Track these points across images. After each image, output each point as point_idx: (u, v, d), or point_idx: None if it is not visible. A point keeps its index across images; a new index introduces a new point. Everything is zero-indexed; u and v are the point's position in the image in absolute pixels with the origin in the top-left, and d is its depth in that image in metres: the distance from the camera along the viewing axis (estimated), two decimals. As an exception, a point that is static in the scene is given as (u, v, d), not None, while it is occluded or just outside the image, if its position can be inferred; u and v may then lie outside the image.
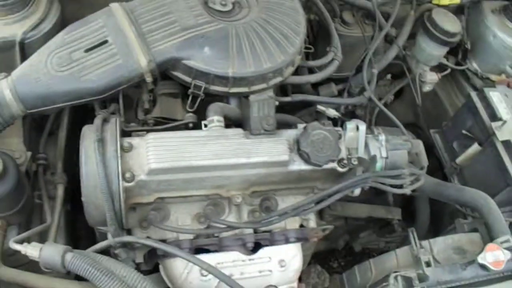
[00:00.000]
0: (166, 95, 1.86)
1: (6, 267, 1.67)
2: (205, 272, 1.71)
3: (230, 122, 1.77)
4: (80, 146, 1.61)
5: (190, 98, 1.76)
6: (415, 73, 2.23)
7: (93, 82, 1.64)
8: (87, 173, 1.58)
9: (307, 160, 1.71)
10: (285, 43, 1.77)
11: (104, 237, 1.73)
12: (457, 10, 2.27)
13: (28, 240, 1.63)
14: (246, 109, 1.76)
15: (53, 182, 1.92)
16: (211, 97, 1.77)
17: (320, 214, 2.16)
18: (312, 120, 1.86)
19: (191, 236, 1.76)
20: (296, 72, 1.91)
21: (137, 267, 1.83)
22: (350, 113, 2.21)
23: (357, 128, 1.83)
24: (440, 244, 1.91)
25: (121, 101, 1.77)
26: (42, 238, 1.80)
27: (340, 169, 1.75)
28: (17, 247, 1.54)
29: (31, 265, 1.70)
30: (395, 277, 1.76)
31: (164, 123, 1.81)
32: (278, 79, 1.79)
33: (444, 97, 2.37)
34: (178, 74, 1.73)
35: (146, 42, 1.67)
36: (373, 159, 1.79)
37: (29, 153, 1.82)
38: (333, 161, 1.72)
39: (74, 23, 1.73)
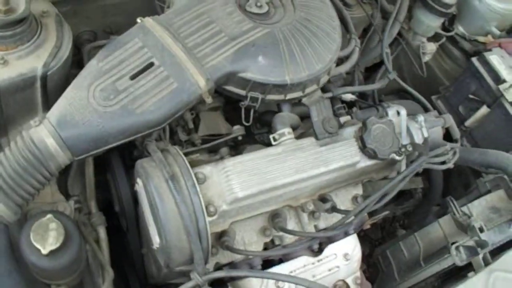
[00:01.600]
0: (207, 111, 1.63)
1: None
2: (281, 284, 1.58)
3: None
4: (147, 185, 1.38)
5: (243, 110, 1.56)
6: (413, 45, 2.17)
7: (152, 113, 1.39)
8: (166, 216, 1.36)
9: (373, 156, 1.60)
10: (328, 40, 1.63)
11: (175, 276, 1.52)
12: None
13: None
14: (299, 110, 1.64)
15: (92, 225, 1.64)
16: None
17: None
18: None
19: (260, 249, 1.60)
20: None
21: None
22: (361, 96, 2.11)
23: (398, 114, 1.74)
24: (478, 207, 1.91)
25: (167, 126, 1.52)
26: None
27: (398, 158, 1.66)
28: None
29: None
30: (457, 248, 1.73)
31: (210, 141, 1.60)
32: (326, 78, 1.66)
33: (433, 64, 2.34)
34: (231, 88, 1.53)
35: (196, 58, 1.44)
36: (425, 142, 1.71)
37: (71, 202, 1.53)
38: (395, 152, 1.62)
39: (105, 47, 1.45)
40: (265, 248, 1.63)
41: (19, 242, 1.33)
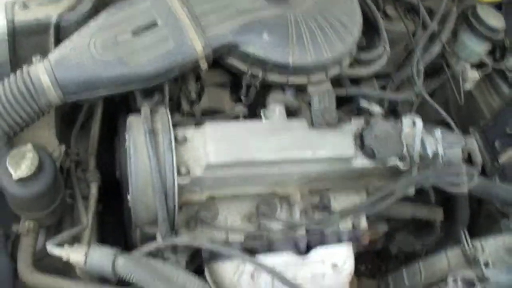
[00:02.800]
0: (213, 86, 1.61)
1: (39, 274, 1.40)
2: (256, 276, 1.49)
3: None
4: (127, 138, 1.37)
5: (244, 88, 1.52)
6: (455, 70, 2.03)
7: (143, 68, 1.38)
8: (137, 168, 1.33)
9: (371, 156, 1.49)
10: (344, 32, 1.56)
11: (147, 240, 1.47)
12: (495, 8, 2.08)
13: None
14: (303, 102, 1.54)
15: (86, 180, 1.65)
16: (264, 89, 1.54)
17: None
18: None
19: (241, 238, 1.52)
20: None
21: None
22: (392, 110, 1.99)
23: (414, 124, 1.62)
24: (492, 245, 1.70)
25: (166, 90, 1.51)
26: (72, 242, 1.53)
27: (401, 166, 1.54)
28: (57, 251, 1.30)
29: (63, 271, 1.44)
30: (454, 280, 1.55)
31: (211, 115, 1.56)
32: (336, 70, 1.57)
33: (478, 96, 2.18)
34: (232, 61, 1.50)
35: (200, 25, 1.43)
36: (435, 156, 1.58)
37: (63, 147, 1.55)
38: (397, 157, 1.50)
39: (117, 3, 1.48)
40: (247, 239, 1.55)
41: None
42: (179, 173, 1.33)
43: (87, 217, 1.54)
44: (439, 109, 1.78)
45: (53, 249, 1.30)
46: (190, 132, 1.39)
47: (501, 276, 1.58)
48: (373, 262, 2.49)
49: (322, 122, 1.46)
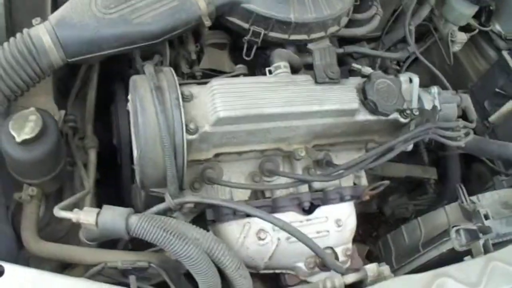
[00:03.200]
0: (213, 46, 1.60)
1: (45, 242, 1.38)
2: (262, 236, 1.49)
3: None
4: (133, 96, 1.34)
5: (245, 46, 1.51)
6: (443, 33, 2.07)
7: (148, 25, 1.37)
8: (145, 125, 1.30)
9: (373, 110, 1.51)
10: (342, -10, 1.56)
11: (151, 204, 1.46)
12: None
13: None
14: (305, 59, 1.54)
15: (84, 147, 1.62)
16: (263, 49, 1.53)
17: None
18: None
19: (246, 197, 1.51)
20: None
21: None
22: (383, 72, 2.01)
23: (410, 81, 1.64)
24: (488, 199, 1.77)
25: (167, 51, 1.49)
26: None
27: (402, 120, 1.55)
28: (65, 214, 1.25)
29: (64, 241, 1.42)
30: (457, 231, 1.59)
31: (212, 76, 1.55)
32: (335, 28, 1.59)
33: (464, 59, 2.23)
34: (234, 19, 1.49)
35: (203, -18, 1.42)
36: (434, 109, 1.60)
37: (62, 112, 1.52)
38: (398, 110, 1.52)
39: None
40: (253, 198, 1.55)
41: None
42: (187, 129, 1.31)
43: (84, 182, 1.51)
44: (432, 68, 1.81)
45: (61, 213, 1.26)
46: (196, 89, 1.38)
47: (501, 228, 1.62)
48: (364, 228, 2.51)
49: (325, 77, 1.47)
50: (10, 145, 1.29)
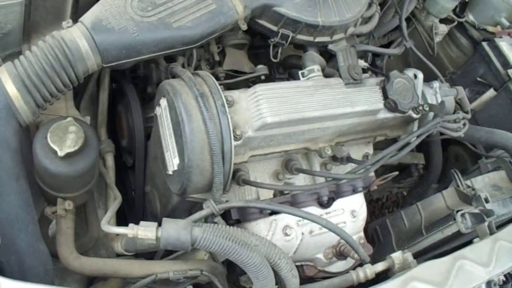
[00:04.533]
0: (232, 47, 1.57)
1: (86, 258, 1.33)
2: (288, 231, 1.53)
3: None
4: (176, 103, 1.30)
5: (271, 47, 1.52)
6: (424, 25, 2.15)
7: (189, 29, 1.33)
8: (192, 133, 1.28)
9: (393, 108, 1.56)
10: (358, -6, 1.60)
11: (183, 208, 1.44)
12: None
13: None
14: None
15: (100, 152, 1.55)
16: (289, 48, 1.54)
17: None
18: None
19: (271, 195, 1.54)
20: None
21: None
22: (371, 64, 2.07)
23: (415, 77, 1.71)
24: (480, 183, 1.89)
25: (194, 52, 1.45)
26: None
27: (414, 116, 1.63)
28: (119, 230, 1.21)
29: (94, 251, 1.37)
30: (462, 215, 1.69)
31: (233, 77, 1.53)
32: (352, 29, 1.63)
33: (439, 49, 2.32)
34: (263, 22, 1.49)
35: (238, -14, 1.39)
36: (442, 104, 1.68)
37: (88, 118, 1.44)
38: (414, 107, 1.59)
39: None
40: (274, 196, 1.57)
41: (33, 146, 1.23)
42: (234, 135, 1.31)
43: (113, 191, 1.47)
44: (426, 61, 1.89)
45: (113, 229, 1.21)
46: (236, 94, 1.37)
47: (499, 209, 1.75)
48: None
49: (349, 78, 1.51)
50: (50, 159, 1.21)
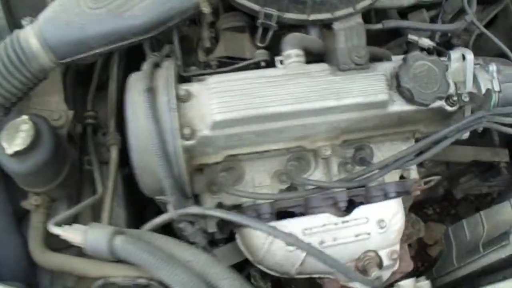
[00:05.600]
0: (230, 30, 1.41)
1: (51, 253, 1.30)
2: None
3: (312, 58, 1.30)
4: (125, 98, 1.19)
5: (260, 30, 1.31)
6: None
7: (137, 18, 1.20)
8: (136, 132, 1.17)
9: (409, 99, 1.25)
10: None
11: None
12: None
13: (74, 218, 1.28)
14: (330, 41, 1.30)
15: (106, 144, 1.51)
16: (286, 30, 1.32)
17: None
18: (403, 53, 1.38)
19: (270, 200, 1.33)
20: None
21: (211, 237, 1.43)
22: (445, 43, 1.69)
23: (464, 58, 1.34)
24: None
25: (176, 39, 1.33)
26: (95, 211, 1.42)
27: (449, 108, 1.28)
28: (56, 231, 1.16)
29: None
30: None
31: (230, 64, 1.35)
32: (366, 2, 1.32)
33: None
34: (243, 1, 1.28)
35: (200, -39, 1.21)
36: (487, 94, 1.30)
37: (70, 112, 1.41)
38: (441, 98, 1.25)
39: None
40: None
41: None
42: (182, 135, 1.16)
43: (106, 184, 1.42)
44: (494, 39, 1.50)
45: (53, 229, 1.17)
46: (195, 87, 1.21)
47: None
48: (441, 205, 2.23)
49: (350, 62, 1.23)
50: (3, 157, 1.21)
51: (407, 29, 1.44)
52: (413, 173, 1.44)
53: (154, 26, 1.21)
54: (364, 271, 1.36)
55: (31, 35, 1.21)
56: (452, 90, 1.30)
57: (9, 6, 1.36)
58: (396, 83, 1.25)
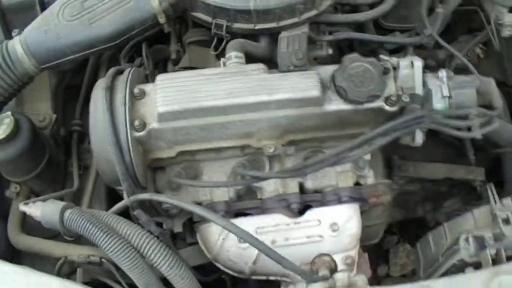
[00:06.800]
0: (195, 44, 1.57)
1: (25, 236, 1.48)
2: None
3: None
4: (91, 97, 1.36)
5: (215, 40, 1.46)
6: (490, 16, 1.72)
7: (103, 28, 1.41)
8: (95, 124, 1.33)
9: (345, 97, 1.32)
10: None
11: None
12: None
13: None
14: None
15: (90, 151, 1.67)
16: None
17: (390, 175, 1.72)
18: None
19: (226, 198, 1.43)
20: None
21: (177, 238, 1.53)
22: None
23: (412, 65, 1.41)
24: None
25: (144, 50, 1.53)
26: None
27: (388, 108, 1.34)
28: (23, 208, 1.32)
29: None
30: (466, 239, 1.31)
31: None
32: (312, 13, 1.43)
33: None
34: (198, 14, 1.45)
35: (157, -20, 1.40)
36: (427, 94, 1.35)
37: (54, 116, 1.62)
38: (376, 97, 1.32)
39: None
40: (238, 198, 1.46)
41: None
42: (133, 126, 1.30)
43: (79, 181, 1.59)
44: (456, 53, 1.53)
45: (21, 207, 1.32)
46: (149, 87, 1.36)
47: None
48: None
49: (289, 64, 1.34)
50: None
51: (354, 39, 1.53)
52: (370, 180, 1.49)
53: (119, 35, 1.41)
54: (317, 273, 1.39)
55: (17, 42, 1.44)
56: (392, 91, 1.36)
57: (5, 21, 1.62)
58: (333, 83, 1.34)
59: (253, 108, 1.30)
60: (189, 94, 1.29)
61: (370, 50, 1.60)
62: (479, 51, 1.99)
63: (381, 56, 1.56)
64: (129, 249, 1.18)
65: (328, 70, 1.37)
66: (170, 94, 1.29)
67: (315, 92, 1.30)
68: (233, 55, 1.37)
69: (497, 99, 1.44)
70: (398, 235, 2.07)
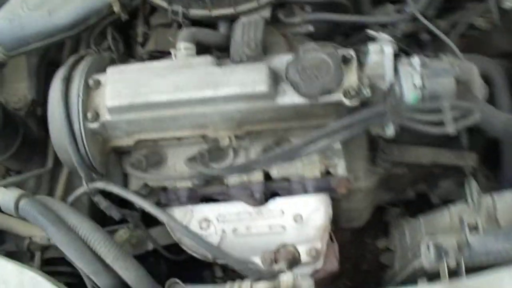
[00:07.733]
0: (161, 26, 1.53)
1: None
2: (204, 225, 1.39)
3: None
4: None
5: (175, 25, 1.43)
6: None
7: (62, 18, 1.43)
8: (52, 114, 1.35)
9: (298, 91, 1.25)
10: None
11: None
12: None
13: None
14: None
15: None
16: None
17: (373, 159, 1.63)
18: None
19: (189, 184, 1.42)
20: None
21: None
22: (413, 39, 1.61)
23: (382, 51, 1.30)
24: (508, 201, 1.30)
25: (109, 36, 1.50)
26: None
27: (347, 102, 1.25)
28: None
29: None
30: (427, 246, 1.24)
31: (156, 58, 1.48)
32: (272, -4, 1.35)
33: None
34: (155, 0, 1.40)
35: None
36: (391, 88, 1.25)
37: (28, 97, 1.65)
38: (330, 91, 1.23)
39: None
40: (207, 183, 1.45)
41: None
42: (86, 117, 1.31)
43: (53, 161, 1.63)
44: (436, 30, 1.39)
45: None
46: (104, 77, 1.35)
47: (497, 242, 1.20)
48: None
49: (242, 55, 1.28)
50: None
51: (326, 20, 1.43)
52: (340, 169, 1.42)
53: (76, 25, 1.44)
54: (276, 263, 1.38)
55: None
56: (352, 83, 1.27)
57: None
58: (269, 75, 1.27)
59: (200, 102, 1.27)
60: (136, 89, 1.27)
61: (361, 25, 1.50)
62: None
63: (368, 31, 1.46)
64: (76, 241, 1.22)
65: (284, 60, 1.30)
66: (118, 88, 1.29)
67: (262, 87, 1.24)
68: (182, 47, 1.33)
69: (479, 89, 1.31)
70: (401, 207, 1.96)
